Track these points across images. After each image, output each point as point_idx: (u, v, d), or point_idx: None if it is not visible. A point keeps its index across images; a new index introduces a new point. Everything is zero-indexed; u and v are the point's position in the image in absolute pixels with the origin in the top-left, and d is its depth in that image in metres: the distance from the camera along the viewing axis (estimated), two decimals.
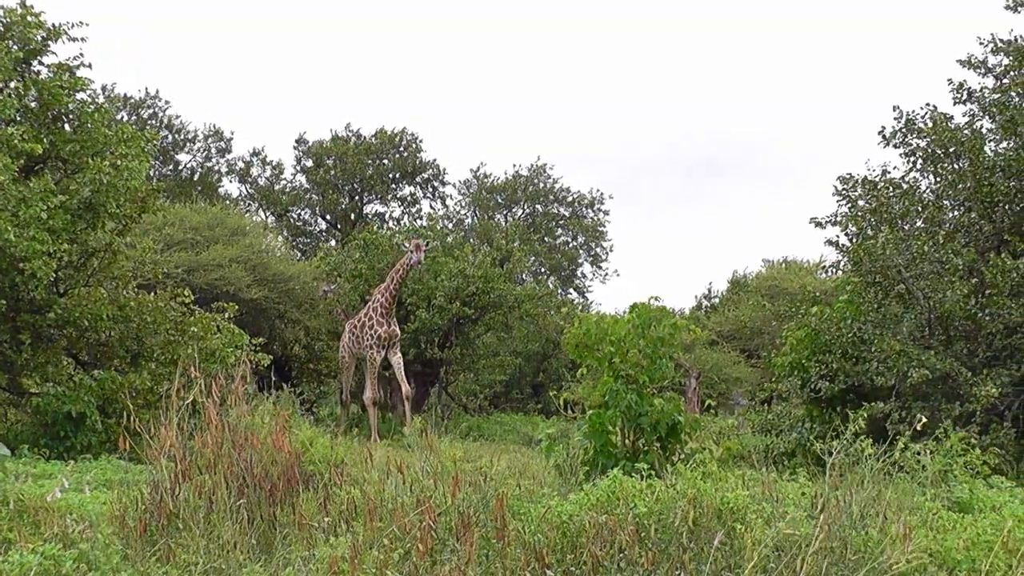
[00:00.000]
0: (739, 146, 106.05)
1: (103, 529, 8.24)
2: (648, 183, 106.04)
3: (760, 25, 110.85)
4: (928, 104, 21.25)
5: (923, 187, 21.59)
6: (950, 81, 20.86)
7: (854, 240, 21.09)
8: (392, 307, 27.68)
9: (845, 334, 19.54)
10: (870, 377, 18.55)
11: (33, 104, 19.18)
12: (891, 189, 21.31)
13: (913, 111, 21.25)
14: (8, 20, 19.17)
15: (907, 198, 20.68)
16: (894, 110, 21.29)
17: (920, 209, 20.78)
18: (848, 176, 22.02)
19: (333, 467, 9.97)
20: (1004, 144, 20.45)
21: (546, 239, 67.19)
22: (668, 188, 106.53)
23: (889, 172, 21.80)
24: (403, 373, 27.75)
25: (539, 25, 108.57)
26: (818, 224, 21.84)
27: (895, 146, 21.45)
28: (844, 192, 22.06)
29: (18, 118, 18.75)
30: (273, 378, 19.43)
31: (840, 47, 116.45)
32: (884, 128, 21.46)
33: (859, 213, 21.63)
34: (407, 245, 27.92)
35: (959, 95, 20.93)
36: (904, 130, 21.28)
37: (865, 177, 21.84)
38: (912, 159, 21.37)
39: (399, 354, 27.92)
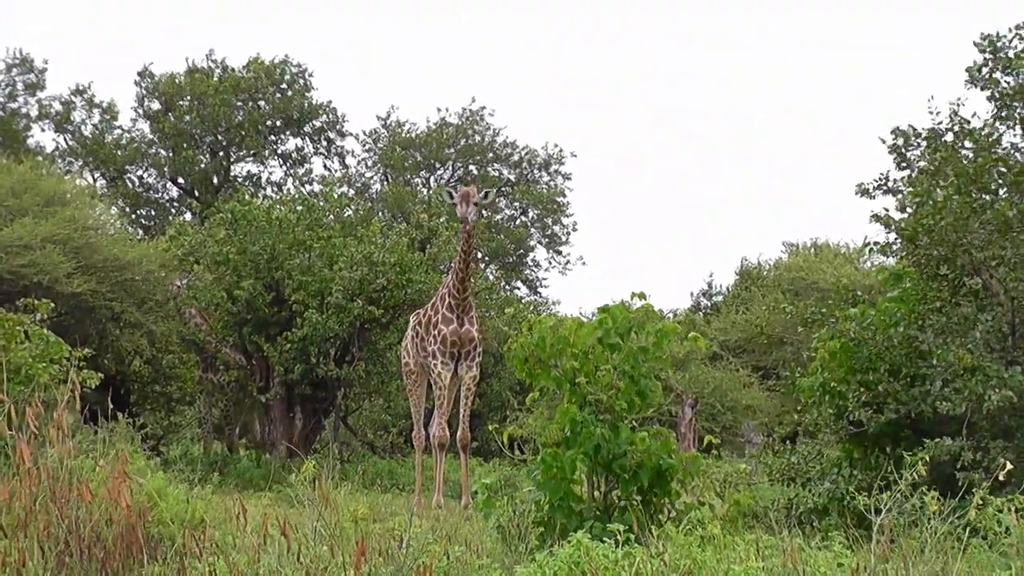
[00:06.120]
0: (753, 105, 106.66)
1: None
2: (626, 143, 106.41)
3: None
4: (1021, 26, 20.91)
5: (1006, 141, 21.45)
6: None
7: (912, 211, 20.86)
8: (464, 295, 24.98)
9: (895, 344, 19.62)
10: (931, 403, 18.57)
11: None
12: (964, 140, 21.17)
13: (999, 35, 20.91)
14: None
15: (986, 153, 20.57)
16: (982, 40, 20.91)
17: (1004, 170, 20.68)
18: (906, 130, 21.79)
19: (189, 529, 9.94)
20: None
21: (484, 213, 67.22)
22: (654, 151, 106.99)
23: (961, 116, 21.50)
24: (470, 403, 25.68)
25: None
26: (864, 192, 21.72)
27: (982, 88, 21.20)
28: (899, 148, 22.02)
29: None
30: (110, 406, 19.36)
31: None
32: (974, 63, 21.07)
33: (919, 174, 21.52)
34: (451, 196, 24.74)
35: None
36: (991, 60, 20.96)
37: (930, 128, 21.63)
38: (999, 103, 21.10)
39: (475, 370, 25.45)
